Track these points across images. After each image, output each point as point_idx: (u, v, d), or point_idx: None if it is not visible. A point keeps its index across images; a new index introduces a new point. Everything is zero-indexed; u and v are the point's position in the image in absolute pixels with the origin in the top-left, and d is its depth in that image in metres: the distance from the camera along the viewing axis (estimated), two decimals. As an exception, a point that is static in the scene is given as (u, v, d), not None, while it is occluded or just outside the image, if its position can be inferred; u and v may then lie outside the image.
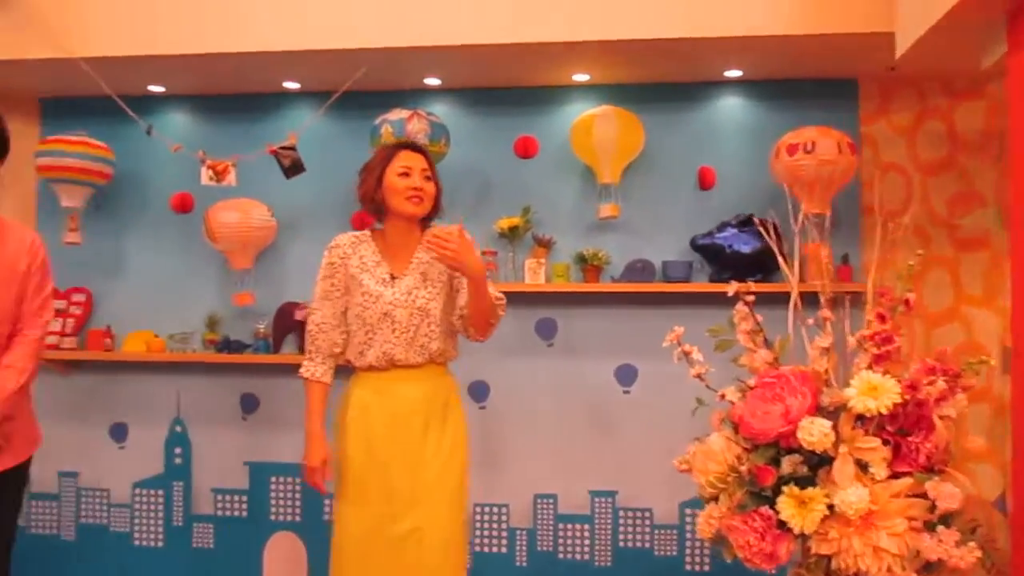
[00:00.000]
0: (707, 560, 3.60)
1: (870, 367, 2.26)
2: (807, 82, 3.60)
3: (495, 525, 3.71)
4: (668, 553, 3.62)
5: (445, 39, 3.21)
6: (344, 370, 2.62)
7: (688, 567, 3.60)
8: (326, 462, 2.51)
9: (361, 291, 2.49)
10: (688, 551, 3.61)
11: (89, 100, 3.74)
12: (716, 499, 2.26)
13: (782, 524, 2.17)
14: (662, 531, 3.63)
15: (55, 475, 3.93)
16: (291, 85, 3.75)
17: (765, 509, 2.17)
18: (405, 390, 2.48)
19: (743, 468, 2.21)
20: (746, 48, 3.24)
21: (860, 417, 2.20)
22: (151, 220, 3.93)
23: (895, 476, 2.19)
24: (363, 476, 2.46)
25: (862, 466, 2.16)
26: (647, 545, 3.64)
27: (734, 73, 3.57)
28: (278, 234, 3.72)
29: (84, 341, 3.85)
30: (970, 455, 3.02)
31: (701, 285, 3.49)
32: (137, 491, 3.90)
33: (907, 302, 2.36)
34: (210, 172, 3.45)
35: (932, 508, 2.16)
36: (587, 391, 3.68)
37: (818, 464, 2.20)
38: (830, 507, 2.15)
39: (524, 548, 3.69)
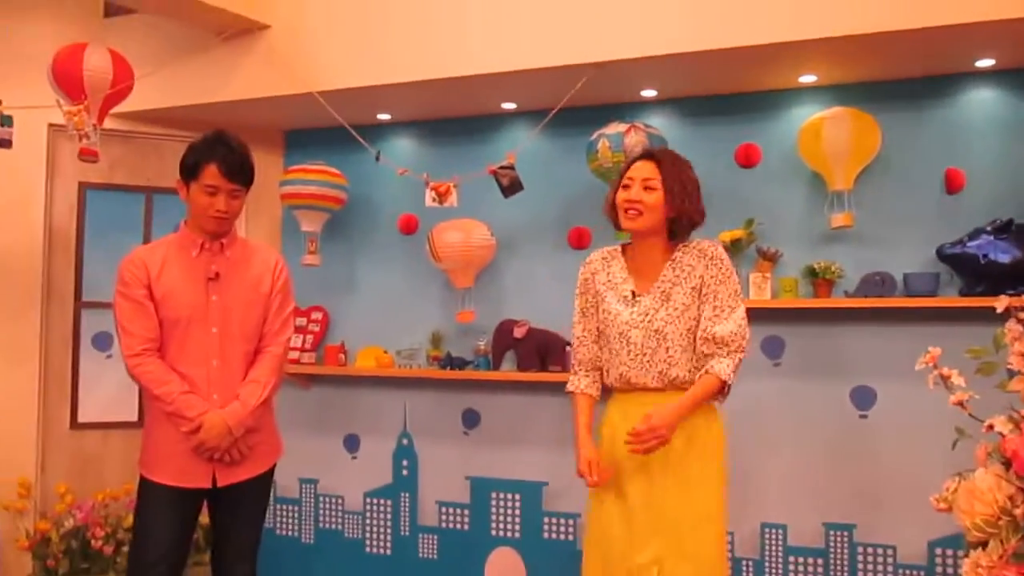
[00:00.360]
0: (963, 607, 3.21)
1: None
2: (1078, 67, 3.17)
3: (719, 553, 3.53)
4: (916, 596, 3.28)
5: (661, 48, 3.13)
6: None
7: (940, 613, 3.25)
8: (594, 462, 2.38)
9: (603, 308, 2.44)
10: (940, 595, 3.25)
11: (325, 131, 4.05)
12: (984, 544, 1.99)
13: (1069, 578, 1.87)
14: (908, 571, 3.29)
15: (296, 481, 4.22)
16: (508, 105, 3.82)
17: (1047, 560, 1.88)
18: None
19: (1017, 511, 1.93)
20: (1001, 34, 2.88)
21: None
22: (380, 241, 4.15)
23: None
24: (607, 499, 2.40)
25: None
26: (891, 585, 3.32)
27: (986, 63, 3.21)
28: (497, 252, 3.80)
29: (322, 356, 4.12)
30: None
31: (951, 299, 3.15)
32: (368, 500, 4.11)
33: None
34: (433, 194, 3.58)
35: None
36: (819, 414, 3.43)
37: (1114, 510, 1.88)
38: None
39: (751, 579, 3.49)
